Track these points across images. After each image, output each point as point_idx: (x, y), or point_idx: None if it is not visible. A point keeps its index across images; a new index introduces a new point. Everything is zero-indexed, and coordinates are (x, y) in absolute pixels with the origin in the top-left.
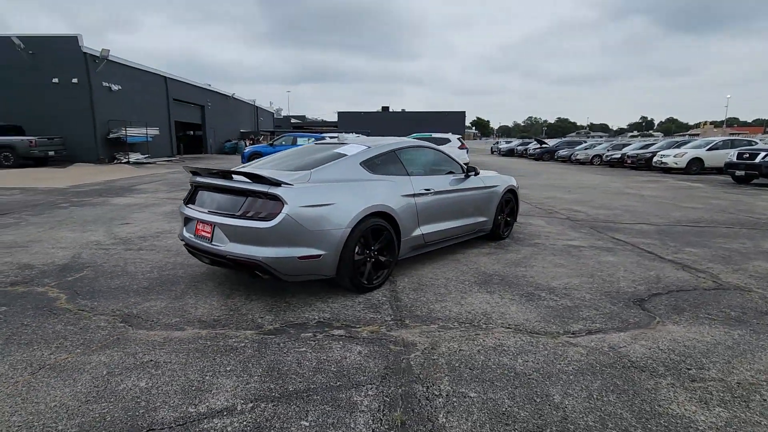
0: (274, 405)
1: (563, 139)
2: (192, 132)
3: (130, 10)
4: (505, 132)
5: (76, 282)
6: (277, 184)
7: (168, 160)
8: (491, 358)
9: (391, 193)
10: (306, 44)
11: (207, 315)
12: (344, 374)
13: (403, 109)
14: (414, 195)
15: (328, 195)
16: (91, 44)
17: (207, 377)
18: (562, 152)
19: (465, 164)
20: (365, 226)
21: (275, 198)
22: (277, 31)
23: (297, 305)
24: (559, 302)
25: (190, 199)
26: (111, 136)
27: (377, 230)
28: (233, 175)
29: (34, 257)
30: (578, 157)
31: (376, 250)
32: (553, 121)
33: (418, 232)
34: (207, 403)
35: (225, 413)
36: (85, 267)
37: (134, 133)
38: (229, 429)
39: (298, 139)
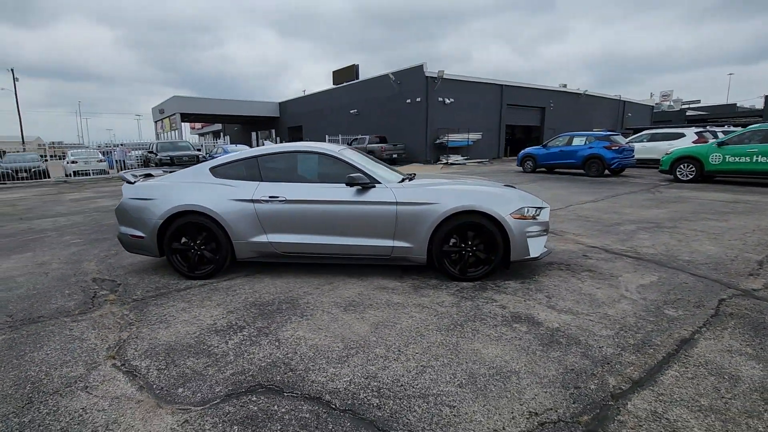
0: None
1: None
2: (515, 134)
3: (562, 21)
4: None
5: None
6: (127, 181)
7: (480, 162)
8: None
9: (216, 196)
10: None
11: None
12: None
13: None
14: (253, 201)
15: (152, 192)
16: (514, 58)
17: None
18: None
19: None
20: (183, 221)
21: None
22: None
23: (137, 273)
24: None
25: None
26: (437, 141)
27: (200, 228)
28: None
29: None
30: None
31: (201, 245)
32: None
33: (262, 239)
34: None
35: None
36: None
37: (456, 138)
38: None
39: (575, 139)
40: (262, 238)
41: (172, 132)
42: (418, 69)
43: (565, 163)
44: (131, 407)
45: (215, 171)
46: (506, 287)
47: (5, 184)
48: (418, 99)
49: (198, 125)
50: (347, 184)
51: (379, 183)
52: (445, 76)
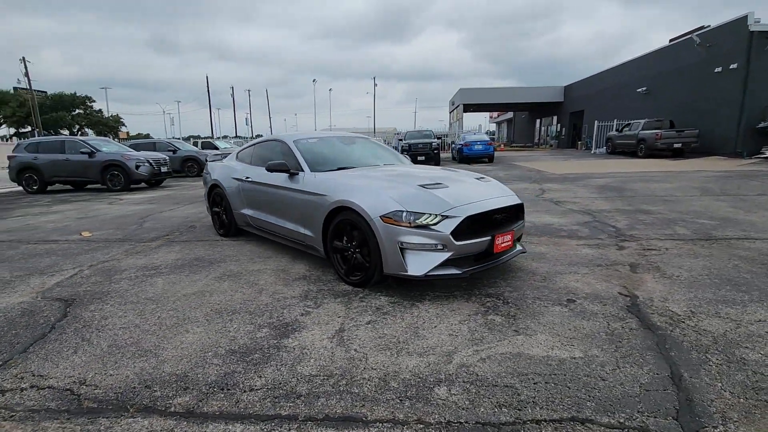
0: None
1: None
2: None
3: None
4: None
5: None
6: (206, 162)
7: None
8: None
9: (225, 174)
10: None
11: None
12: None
13: None
14: (240, 180)
15: (208, 169)
16: None
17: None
18: None
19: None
20: (214, 192)
21: None
22: None
23: (210, 227)
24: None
25: None
26: (761, 125)
27: (222, 198)
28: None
29: None
30: None
31: (223, 212)
32: None
33: (245, 211)
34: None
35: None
36: None
37: None
38: None
39: None
40: (244, 211)
41: (457, 122)
42: (739, 23)
43: None
44: (19, 291)
45: (237, 155)
46: (368, 300)
47: None
48: (733, 66)
49: (495, 114)
50: (266, 169)
51: (302, 171)
52: None
